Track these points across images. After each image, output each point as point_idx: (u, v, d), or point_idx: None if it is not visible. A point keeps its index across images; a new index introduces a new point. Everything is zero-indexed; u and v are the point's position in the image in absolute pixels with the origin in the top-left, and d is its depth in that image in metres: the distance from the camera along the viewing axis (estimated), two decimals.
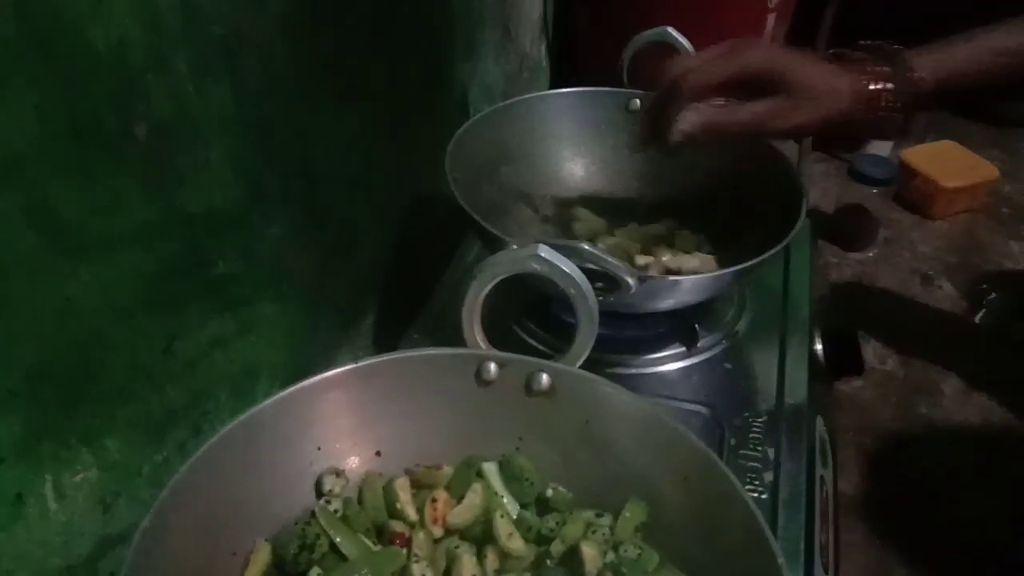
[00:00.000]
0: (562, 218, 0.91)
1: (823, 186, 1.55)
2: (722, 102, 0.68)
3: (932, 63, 0.67)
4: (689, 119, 0.67)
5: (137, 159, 0.49)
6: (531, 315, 0.82)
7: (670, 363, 0.77)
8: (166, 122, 0.51)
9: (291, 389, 0.52)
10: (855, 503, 0.96)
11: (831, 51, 0.72)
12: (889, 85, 0.66)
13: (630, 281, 0.62)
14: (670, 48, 0.92)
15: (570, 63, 1.49)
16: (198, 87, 0.53)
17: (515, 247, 0.61)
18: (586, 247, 0.60)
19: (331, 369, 0.54)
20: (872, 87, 0.66)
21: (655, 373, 0.77)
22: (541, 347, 0.79)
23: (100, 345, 0.49)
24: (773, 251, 0.70)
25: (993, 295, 1.30)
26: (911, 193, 1.54)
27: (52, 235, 0.44)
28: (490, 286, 0.58)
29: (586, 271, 0.57)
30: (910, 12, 1.88)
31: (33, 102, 0.42)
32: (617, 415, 0.55)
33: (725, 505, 0.49)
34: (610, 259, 0.61)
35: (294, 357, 0.71)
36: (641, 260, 0.84)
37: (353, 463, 0.56)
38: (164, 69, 0.50)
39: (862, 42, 0.71)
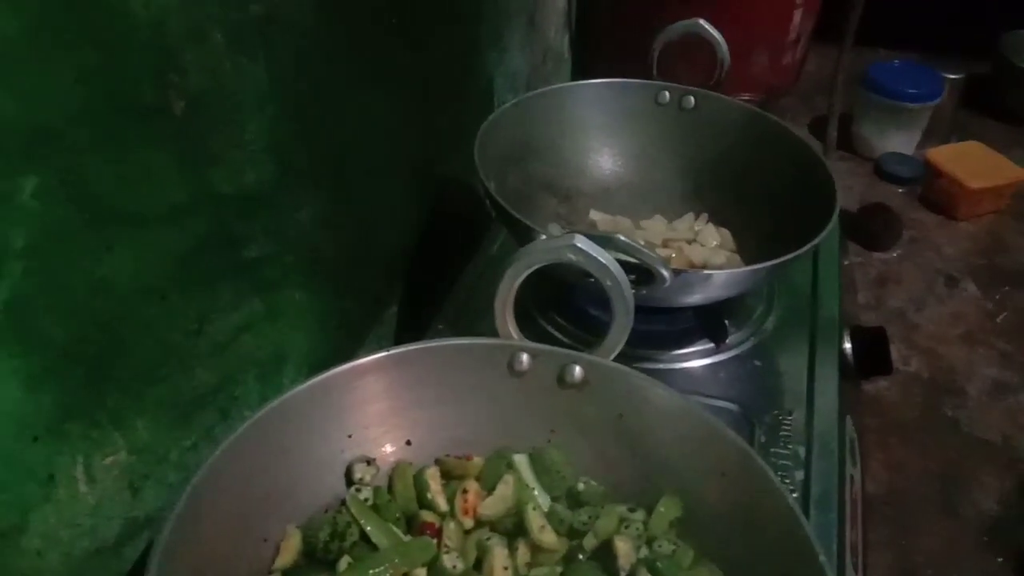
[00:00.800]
0: (586, 211, 0.90)
1: (847, 184, 1.53)
2: None
3: None
4: None
5: (173, 135, 0.48)
6: (556, 306, 0.81)
7: (698, 359, 0.76)
8: (202, 98, 0.50)
9: (323, 375, 0.51)
10: (880, 502, 0.95)
11: None
12: None
13: (665, 273, 0.61)
14: (701, 40, 0.91)
15: (592, 55, 1.48)
16: (235, 63, 0.52)
17: (549, 236, 0.60)
18: (622, 238, 0.59)
19: (360, 356, 0.53)
20: None
21: (683, 369, 0.76)
22: (565, 339, 0.78)
23: (131, 324, 0.48)
24: (808, 247, 0.69)
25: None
26: (936, 193, 1.53)
27: (87, 210, 0.43)
28: (524, 276, 0.57)
29: (619, 263, 0.56)
30: (931, 13, 1.86)
31: (72, 73, 0.41)
32: (651, 409, 0.54)
33: (763, 501, 0.48)
34: (646, 251, 0.60)
35: (321, 344, 0.70)
36: (662, 253, 0.83)
37: (384, 452, 0.55)
38: (202, 43, 0.49)
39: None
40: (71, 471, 0.45)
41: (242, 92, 0.54)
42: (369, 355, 0.53)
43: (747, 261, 0.83)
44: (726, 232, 0.86)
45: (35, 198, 0.39)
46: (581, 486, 0.54)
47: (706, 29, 0.90)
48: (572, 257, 0.55)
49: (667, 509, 0.52)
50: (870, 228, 1.39)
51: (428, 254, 0.90)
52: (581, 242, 0.55)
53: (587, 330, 0.78)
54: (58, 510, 0.45)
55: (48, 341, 0.42)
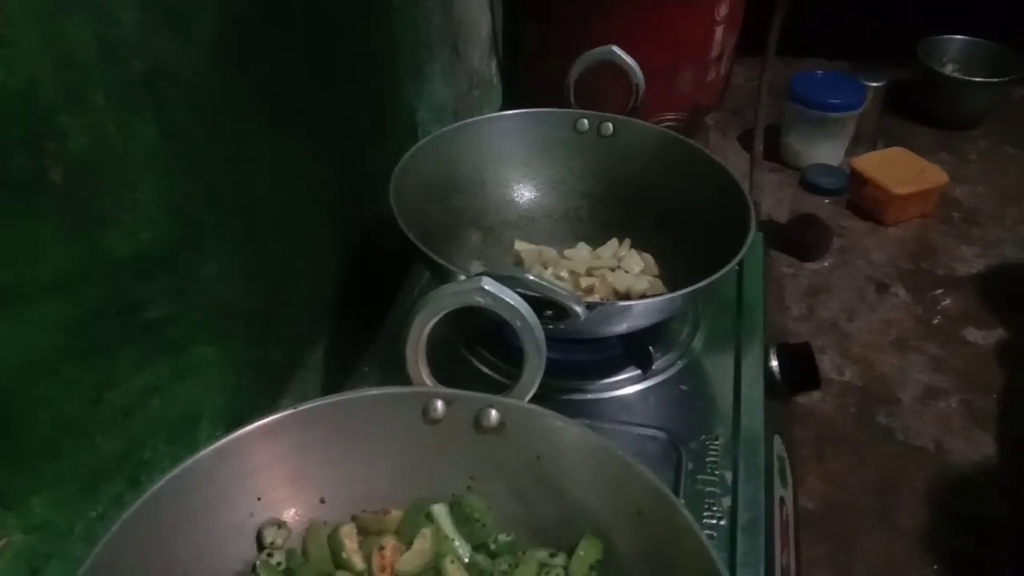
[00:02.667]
0: (510, 242, 0.90)
1: (777, 196, 1.56)
2: None
3: None
4: None
5: (54, 203, 0.47)
6: (484, 342, 0.80)
7: (626, 387, 0.76)
8: (85, 162, 0.48)
9: (226, 439, 0.50)
10: (816, 517, 0.96)
11: None
12: None
13: (578, 309, 0.61)
14: (616, 68, 0.91)
15: (520, 81, 1.48)
16: (119, 123, 0.51)
17: (459, 279, 0.59)
18: (531, 277, 0.59)
19: (271, 413, 0.52)
20: None
21: (612, 397, 0.76)
22: (495, 375, 0.78)
23: (20, 401, 0.47)
24: (724, 270, 0.69)
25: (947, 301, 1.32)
26: (863, 200, 1.56)
27: None
28: (434, 321, 0.56)
29: (534, 300, 0.56)
30: (855, 21, 1.91)
31: None
32: (568, 449, 0.54)
33: (679, 540, 0.48)
34: (557, 288, 0.60)
35: (239, 399, 0.68)
36: (585, 282, 0.83)
37: (296, 512, 0.54)
38: (80, 106, 0.48)
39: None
40: None
41: (130, 151, 0.52)
42: (274, 414, 0.52)
43: (671, 285, 0.84)
44: (649, 257, 0.86)
45: None
46: (502, 536, 0.54)
47: (619, 55, 0.90)
48: (480, 300, 0.55)
49: (587, 552, 0.51)
50: (800, 239, 1.41)
51: (353, 295, 0.89)
52: (489, 284, 0.55)
53: (516, 364, 0.77)
54: None
55: None
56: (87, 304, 0.50)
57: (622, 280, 0.82)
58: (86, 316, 0.50)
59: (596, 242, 0.89)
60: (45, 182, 0.46)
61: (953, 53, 1.95)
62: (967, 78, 1.84)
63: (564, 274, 0.85)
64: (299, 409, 0.53)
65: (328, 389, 0.84)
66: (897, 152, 1.63)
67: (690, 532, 0.47)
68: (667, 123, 0.92)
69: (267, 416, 0.52)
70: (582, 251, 0.88)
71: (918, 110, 1.87)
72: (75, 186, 0.48)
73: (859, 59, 1.79)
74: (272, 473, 0.52)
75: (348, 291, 0.88)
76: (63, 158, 0.47)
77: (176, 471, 0.48)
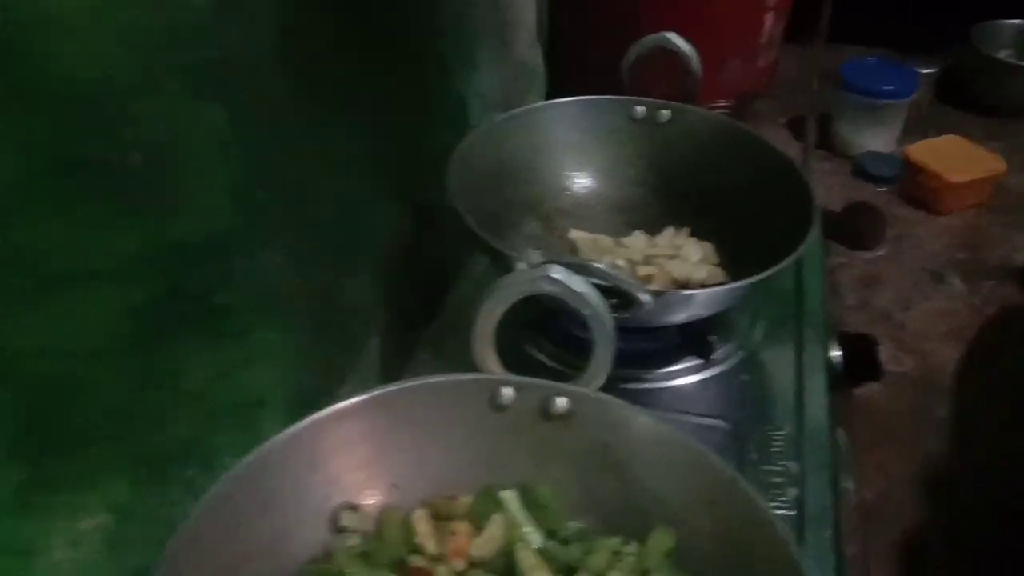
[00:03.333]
0: (565, 231, 0.89)
1: (828, 184, 1.53)
2: None
3: None
4: None
5: (130, 189, 0.47)
6: (541, 330, 0.80)
7: (685, 376, 0.76)
8: (158, 148, 0.49)
9: (301, 423, 0.50)
10: (878, 509, 0.94)
11: None
12: None
13: (643, 298, 0.60)
14: (671, 54, 0.90)
15: (567, 69, 1.48)
16: (191, 110, 0.51)
17: (524, 266, 0.59)
18: (597, 265, 0.58)
19: (340, 398, 0.52)
20: None
21: (670, 387, 0.75)
22: (553, 363, 0.78)
23: (97, 384, 0.47)
24: (788, 260, 0.68)
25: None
26: (917, 189, 1.52)
27: (38, 277, 0.42)
28: (502, 309, 0.56)
29: (598, 288, 0.55)
30: (904, 7, 1.87)
31: (12, 140, 0.40)
32: (638, 438, 0.53)
33: (754, 529, 0.47)
34: (623, 276, 0.59)
35: (300, 384, 0.69)
36: (643, 271, 0.82)
37: (370, 497, 0.54)
38: (156, 94, 0.48)
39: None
40: (49, 541, 0.44)
41: (199, 138, 0.53)
42: (347, 399, 0.52)
43: (730, 273, 0.83)
44: (708, 245, 0.85)
45: None
46: (572, 523, 0.53)
47: (674, 42, 0.89)
48: (548, 288, 0.55)
49: (660, 541, 0.51)
50: (854, 228, 1.39)
51: (410, 281, 0.89)
52: (557, 272, 0.54)
53: (574, 353, 0.77)
54: None
55: (8, 414, 0.41)
56: (161, 289, 0.51)
57: (680, 268, 0.81)
58: (161, 301, 0.51)
59: (652, 230, 0.89)
60: (123, 168, 0.46)
61: (1007, 38, 1.89)
62: (1022, 64, 1.80)
63: (620, 262, 0.84)
64: (371, 395, 0.53)
65: (385, 376, 0.84)
66: (951, 140, 1.59)
67: (767, 521, 0.47)
68: (716, 110, 0.91)
69: (340, 402, 0.52)
70: (639, 239, 0.87)
71: (970, 97, 1.83)
72: (149, 172, 0.48)
73: (908, 45, 1.75)
74: (345, 458, 0.53)
75: (403, 279, 0.88)
76: (139, 144, 0.47)
77: (253, 455, 0.48)
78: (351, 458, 0.53)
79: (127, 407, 0.50)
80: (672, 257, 0.84)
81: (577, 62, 1.45)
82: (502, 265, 0.72)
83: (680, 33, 0.90)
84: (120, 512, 0.50)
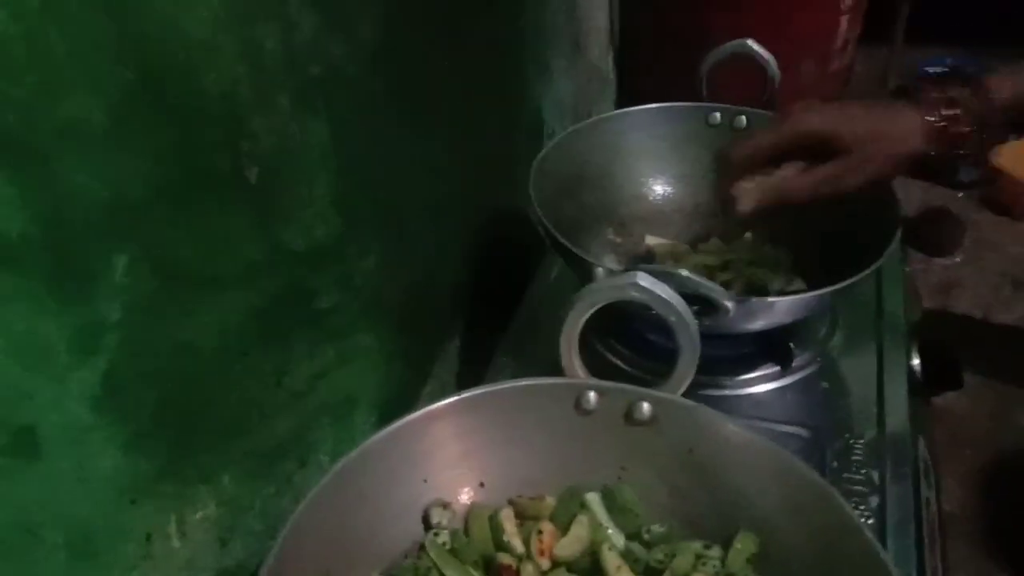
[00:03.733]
0: (641, 237, 0.90)
1: (905, 189, 1.50)
2: (796, 166, 0.67)
3: (1010, 83, 0.65)
4: (746, 192, 0.67)
5: (247, 199, 0.50)
6: (615, 335, 0.81)
7: (764, 383, 0.76)
8: (272, 160, 0.52)
9: (398, 423, 0.53)
10: (956, 520, 0.93)
11: (896, 86, 0.70)
12: (960, 112, 0.63)
13: (728, 304, 0.61)
14: (749, 60, 0.90)
15: (637, 75, 1.48)
16: (300, 124, 0.54)
17: (610, 272, 0.60)
18: (683, 272, 0.59)
19: (424, 399, 0.55)
20: (945, 112, 0.64)
21: (749, 394, 0.76)
22: (627, 367, 0.79)
23: (215, 383, 0.50)
24: (871, 268, 0.68)
25: None
26: (998, 194, 1.49)
27: (171, 278, 0.45)
28: (588, 314, 0.57)
29: (681, 295, 0.56)
30: (984, 10, 1.82)
31: (152, 151, 0.43)
32: (722, 444, 0.54)
33: (841, 536, 0.48)
34: (708, 283, 0.60)
35: (388, 384, 0.71)
36: (720, 277, 0.82)
37: (459, 495, 0.56)
38: (270, 108, 0.51)
39: (929, 70, 0.70)
40: (166, 528, 0.47)
41: (308, 151, 0.55)
42: (440, 400, 0.54)
43: (808, 280, 0.82)
44: (785, 252, 0.85)
45: (126, 274, 0.41)
46: (655, 527, 0.55)
47: (754, 49, 0.90)
48: (635, 295, 0.56)
49: (744, 545, 0.52)
50: (931, 234, 1.37)
51: (487, 285, 0.91)
52: (644, 280, 0.56)
53: (649, 357, 0.78)
54: (155, 567, 0.47)
55: (141, 407, 0.44)
56: (270, 293, 0.54)
57: (759, 275, 0.81)
58: (269, 305, 0.54)
59: (728, 238, 0.89)
60: (242, 180, 0.49)
61: None
62: None
63: (697, 269, 0.84)
64: (462, 396, 0.55)
65: (464, 378, 0.86)
66: None
67: (855, 529, 0.47)
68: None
69: (433, 403, 0.54)
70: (715, 246, 0.87)
71: None
72: (264, 183, 0.51)
73: (986, 46, 1.71)
74: (437, 457, 0.55)
75: (481, 283, 0.90)
76: (256, 156, 0.50)
77: (354, 453, 0.51)
78: (442, 457, 0.55)
79: (242, 404, 0.53)
80: (751, 263, 0.84)
81: (648, 69, 1.46)
82: (581, 271, 0.74)
83: (753, 38, 0.90)
84: (227, 504, 0.53)
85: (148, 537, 0.46)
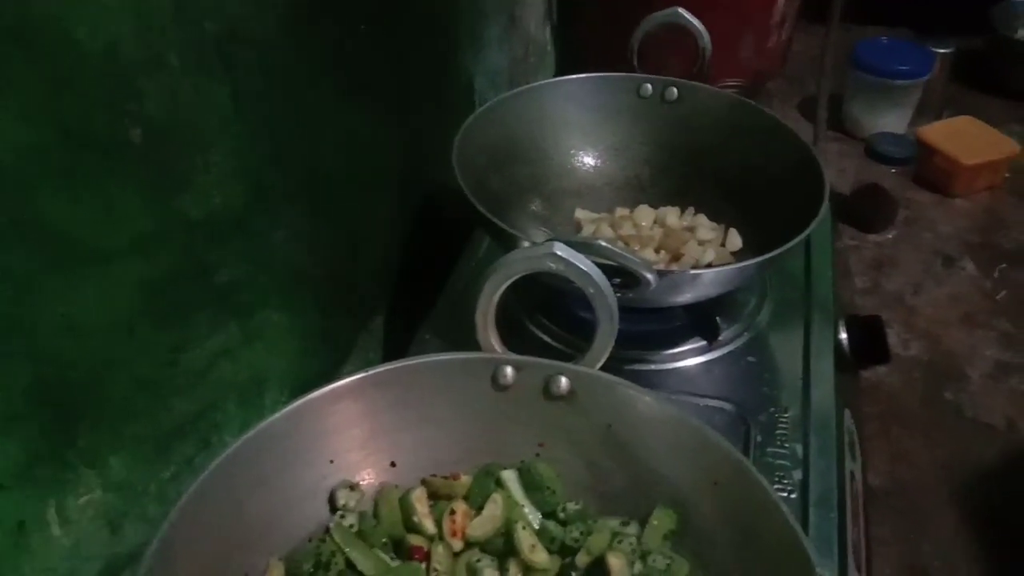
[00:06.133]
0: (571, 210, 0.88)
1: (840, 166, 1.52)
2: None
3: None
4: None
5: (133, 164, 0.47)
6: (545, 311, 0.79)
7: (690, 358, 0.75)
8: (162, 124, 0.48)
9: (300, 401, 0.50)
10: (884, 494, 0.94)
11: None
12: None
13: (649, 276, 0.60)
14: (683, 32, 0.89)
15: (576, 47, 1.46)
16: (194, 86, 0.51)
17: (528, 245, 0.59)
18: (602, 243, 0.57)
19: (341, 378, 0.52)
20: None
21: (675, 369, 0.75)
22: (557, 344, 0.77)
23: (101, 361, 0.47)
24: (797, 239, 0.67)
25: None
26: (930, 171, 1.51)
27: (45, 249, 0.42)
28: (504, 287, 0.55)
29: (602, 267, 0.55)
30: None
31: (18, 108, 0.39)
32: (641, 418, 0.53)
33: (757, 511, 0.47)
34: (628, 255, 0.58)
35: (303, 363, 0.69)
36: (651, 255, 0.81)
37: (367, 475, 0.54)
38: (158, 68, 0.48)
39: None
40: (43, 516, 0.44)
41: (204, 115, 0.52)
42: (347, 377, 0.52)
43: (736, 254, 0.82)
44: (734, 232, 0.84)
45: None
46: (571, 504, 0.53)
47: (686, 18, 0.88)
48: (552, 266, 0.54)
49: (660, 522, 0.51)
50: (864, 210, 1.38)
51: (414, 261, 0.89)
52: (561, 250, 0.54)
53: (577, 334, 0.77)
54: (31, 557, 0.43)
55: (12, 386, 0.41)
56: (163, 266, 0.51)
57: (692, 251, 0.80)
58: (162, 278, 0.51)
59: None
60: (126, 143, 0.46)
61: None
62: None
63: (624, 242, 0.83)
64: (370, 373, 0.52)
65: (389, 356, 0.84)
66: (965, 121, 1.58)
67: (771, 503, 0.46)
68: (728, 90, 0.89)
69: (338, 380, 0.52)
70: (645, 212, 0.86)
71: (987, 79, 1.80)
72: (152, 148, 0.48)
73: (924, 26, 1.73)
74: (344, 436, 0.52)
75: (408, 259, 0.88)
76: (141, 120, 0.47)
77: (251, 432, 0.48)
78: (349, 437, 0.53)
79: (135, 384, 0.50)
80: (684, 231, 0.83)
81: (587, 40, 1.44)
82: (506, 244, 0.71)
83: (691, 10, 0.89)
84: (116, 488, 0.50)
85: (21, 525, 0.43)
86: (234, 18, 0.54)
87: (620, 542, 0.50)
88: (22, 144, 0.40)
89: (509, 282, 0.55)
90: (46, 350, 0.43)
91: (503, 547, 0.51)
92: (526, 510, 0.53)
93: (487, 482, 0.54)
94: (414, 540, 0.51)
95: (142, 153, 0.47)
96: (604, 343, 0.55)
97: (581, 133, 0.90)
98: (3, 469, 0.41)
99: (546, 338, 0.78)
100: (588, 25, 1.43)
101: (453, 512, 0.52)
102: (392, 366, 0.53)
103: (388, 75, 0.79)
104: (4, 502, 0.41)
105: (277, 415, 0.49)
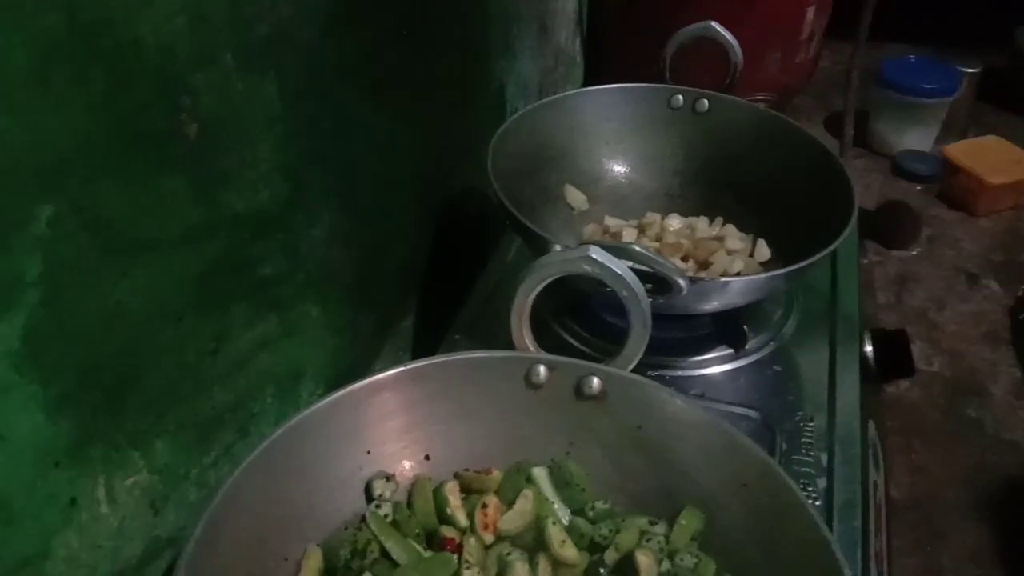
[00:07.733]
0: (600, 219, 0.90)
1: (865, 182, 1.52)
2: None
3: None
4: None
5: (186, 158, 0.49)
6: (572, 314, 0.80)
7: (717, 365, 0.76)
8: (214, 120, 0.50)
9: (340, 392, 0.51)
10: (904, 507, 0.94)
11: None
12: None
13: (681, 282, 0.61)
14: (714, 44, 0.90)
15: (604, 58, 1.47)
16: (245, 84, 0.52)
17: (562, 247, 0.60)
18: (637, 248, 0.59)
19: (376, 371, 0.53)
20: None
21: (701, 376, 0.75)
22: (583, 347, 0.78)
23: (148, 347, 0.49)
24: (826, 251, 0.68)
25: None
26: (955, 189, 1.51)
27: (101, 237, 0.44)
28: (539, 288, 0.57)
29: (635, 272, 0.56)
30: (946, 6, 1.84)
31: (82, 102, 0.41)
32: (670, 420, 0.54)
33: (786, 513, 0.48)
34: (662, 260, 0.59)
35: (336, 358, 0.70)
36: (680, 262, 0.82)
37: (403, 467, 0.55)
38: (212, 65, 0.49)
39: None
40: (93, 494, 0.45)
41: (253, 112, 0.54)
42: (386, 371, 0.53)
43: (764, 264, 0.83)
44: (762, 242, 0.85)
45: (50, 227, 0.39)
46: (599, 503, 0.54)
47: (719, 32, 0.89)
48: (587, 268, 0.55)
49: (688, 521, 0.52)
50: (889, 226, 1.38)
51: (443, 263, 0.90)
52: (596, 253, 0.55)
53: (604, 338, 0.78)
54: (80, 533, 0.45)
55: (66, 367, 0.42)
56: (209, 258, 0.52)
57: (721, 260, 0.81)
58: (208, 270, 0.52)
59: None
60: (180, 137, 0.47)
61: None
62: None
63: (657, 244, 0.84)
64: (409, 367, 0.54)
65: (418, 354, 0.85)
66: (991, 141, 1.58)
67: (799, 505, 0.47)
68: (756, 104, 0.90)
69: (377, 373, 0.53)
70: (675, 220, 0.87)
71: (1011, 98, 1.80)
72: (205, 143, 0.49)
73: (950, 44, 1.73)
74: (381, 428, 0.54)
75: (436, 261, 0.89)
76: (197, 114, 0.48)
77: (292, 421, 0.49)
78: (386, 429, 0.54)
79: (178, 371, 0.51)
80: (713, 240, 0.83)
81: (616, 52, 1.45)
82: (539, 248, 0.73)
83: (721, 24, 0.90)
84: (160, 472, 0.51)
85: (73, 502, 0.44)
86: (284, 20, 0.55)
87: (648, 540, 0.51)
88: (84, 137, 0.41)
89: (544, 283, 0.56)
90: (99, 334, 0.45)
91: (533, 542, 0.52)
92: (556, 506, 0.54)
93: (518, 478, 0.55)
94: (447, 532, 0.52)
95: (195, 148, 0.49)
96: (636, 346, 0.56)
97: (612, 142, 0.92)
98: (59, 447, 0.42)
99: (571, 339, 0.79)
100: (616, 36, 1.44)
101: (485, 506, 0.53)
102: (430, 361, 0.54)
103: (422, 79, 0.80)
104: (59, 479, 0.43)
105: (318, 405, 0.50)
